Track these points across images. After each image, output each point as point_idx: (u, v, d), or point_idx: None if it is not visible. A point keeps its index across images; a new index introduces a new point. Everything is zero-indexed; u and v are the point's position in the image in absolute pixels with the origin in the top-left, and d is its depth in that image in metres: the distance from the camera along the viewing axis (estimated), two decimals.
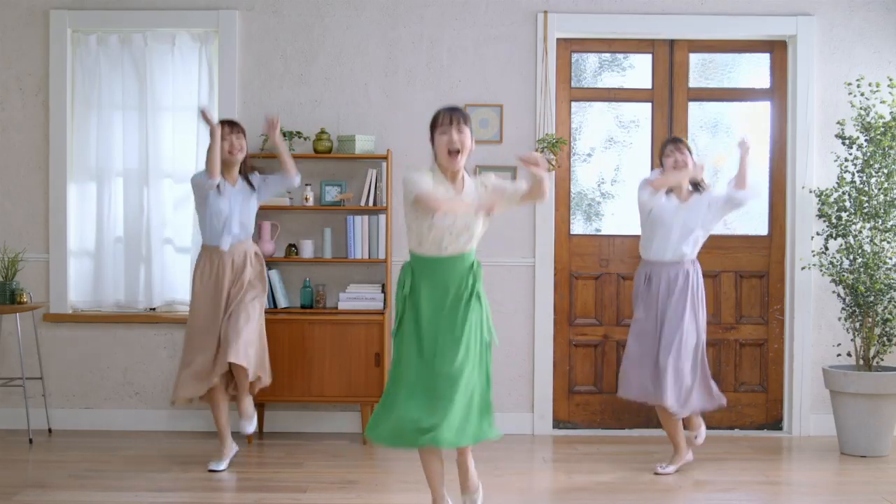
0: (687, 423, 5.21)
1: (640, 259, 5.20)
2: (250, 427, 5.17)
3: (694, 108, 6.11)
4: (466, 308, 3.82)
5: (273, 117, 5.18)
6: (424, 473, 3.98)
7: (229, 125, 5.12)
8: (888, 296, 5.50)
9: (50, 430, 5.88)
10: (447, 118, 3.78)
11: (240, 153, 5.12)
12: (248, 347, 4.97)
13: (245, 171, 5.22)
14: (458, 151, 3.78)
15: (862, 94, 5.65)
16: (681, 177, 5.01)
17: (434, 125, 3.86)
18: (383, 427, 3.80)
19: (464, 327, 3.79)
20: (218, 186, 5.06)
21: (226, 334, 4.98)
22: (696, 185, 5.09)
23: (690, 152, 5.05)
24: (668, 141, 5.12)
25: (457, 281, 3.84)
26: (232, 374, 5.05)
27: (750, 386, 6.10)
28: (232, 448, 5.13)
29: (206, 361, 5.01)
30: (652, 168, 6.05)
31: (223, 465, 5.02)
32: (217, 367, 4.98)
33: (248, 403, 5.14)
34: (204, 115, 5.09)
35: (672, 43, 6.08)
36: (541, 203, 3.84)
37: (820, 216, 5.68)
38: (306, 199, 5.76)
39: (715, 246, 6.06)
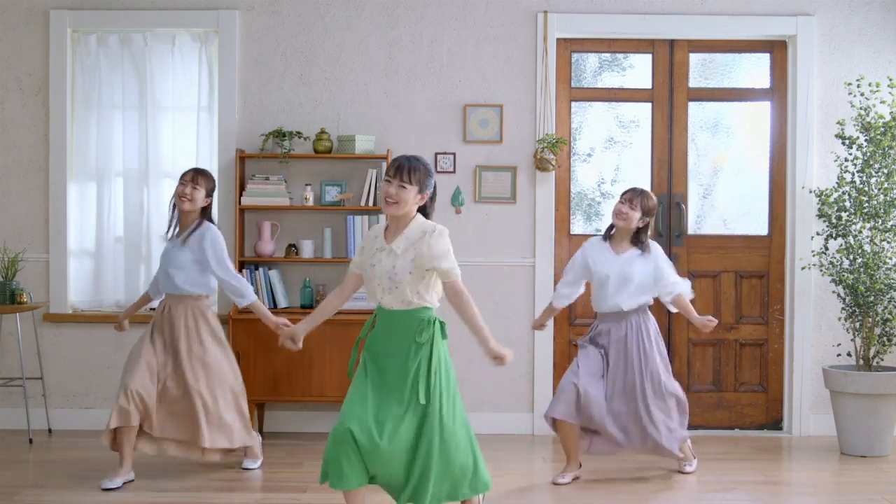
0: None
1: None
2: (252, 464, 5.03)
3: (694, 108, 6.11)
4: (404, 375, 3.67)
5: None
6: None
7: (192, 172, 4.88)
8: (888, 296, 5.50)
9: (50, 430, 5.88)
10: (393, 169, 3.71)
11: (188, 203, 4.81)
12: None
13: (196, 226, 4.87)
14: (394, 203, 3.70)
15: (862, 94, 5.65)
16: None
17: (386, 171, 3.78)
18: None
19: (410, 401, 3.64)
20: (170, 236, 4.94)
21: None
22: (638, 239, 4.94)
23: (646, 211, 4.84)
24: (630, 189, 4.94)
25: (402, 341, 3.70)
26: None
27: (750, 386, 6.10)
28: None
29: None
30: (651, 169, 6.07)
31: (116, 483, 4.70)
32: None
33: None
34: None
35: (672, 43, 6.08)
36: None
37: (820, 216, 5.67)
38: (306, 199, 5.76)
39: (715, 246, 6.06)
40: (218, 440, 4.75)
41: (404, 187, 3.68)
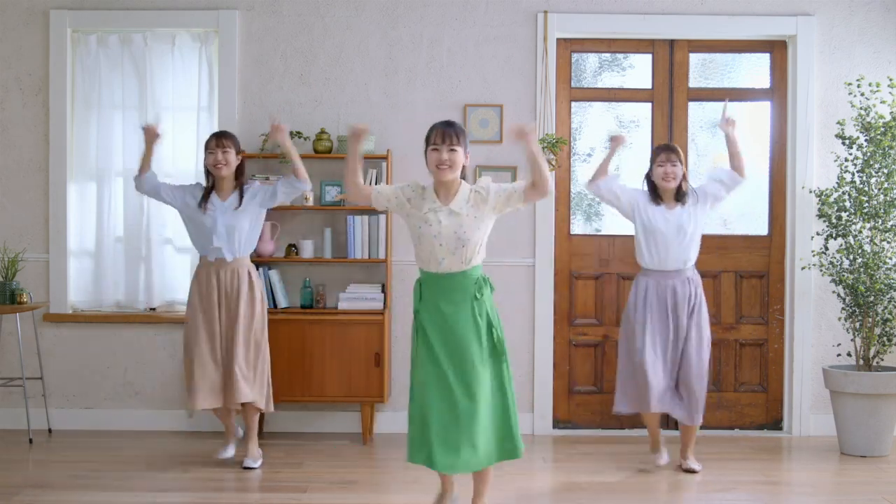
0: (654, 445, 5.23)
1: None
2: (254, 463, 5.12)
3: (694, 108, 6.11)
4: (476, 331, 3.87)
5: (276, 122, 5.00)
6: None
7: (216, 138, 5.07)
8: (888, 296, 5.50)
9: (50, 430, 5.88)
10: (440, 137, 3.85)
11: (225, 168, 5.03)
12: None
13: (240, 185, 5.11)
14: (448, 167, 3.85)
15: (862, 94, 5.65)
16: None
17: (427, 140, 3.90)
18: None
19: (476, 354, 3.87)
20: (205, 201, 5.04)
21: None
22: (679, 194, 5.04)
23: (682, 162, 5.01)
24: (661, 148, 5.08)
25: (461, 302, 3.86)
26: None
27: (750, 386, 6.10)
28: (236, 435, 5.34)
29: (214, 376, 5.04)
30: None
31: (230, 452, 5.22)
32: (226, 397, 5.02)
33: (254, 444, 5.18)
34: (147, 130, 5.15)
35: (672, 43, 6.08)
36: (544, 197, 3.91)
37: (820, 216, 5.68)
38: (306, 199, 5.76)
39: (715, 246, 6.06)
40: (250, 395, 5.02)
41: (455, 150, 3.86)
